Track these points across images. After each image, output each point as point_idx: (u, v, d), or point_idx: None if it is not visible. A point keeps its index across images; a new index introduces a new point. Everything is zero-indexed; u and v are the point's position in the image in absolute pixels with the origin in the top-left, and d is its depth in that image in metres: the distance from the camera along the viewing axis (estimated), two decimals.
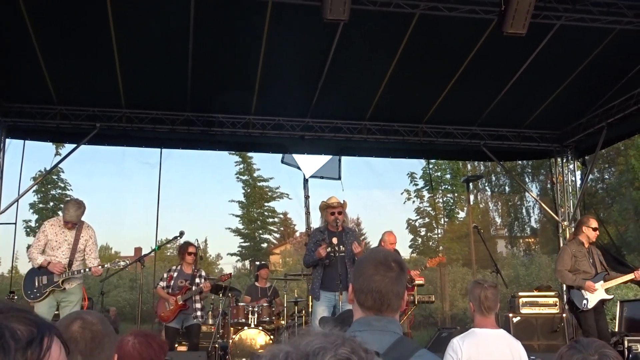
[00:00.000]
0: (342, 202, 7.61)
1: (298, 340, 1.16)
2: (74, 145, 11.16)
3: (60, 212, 7.62)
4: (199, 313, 8.63)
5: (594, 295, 7.50)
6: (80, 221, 7.30)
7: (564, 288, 7.94)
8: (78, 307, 7.25)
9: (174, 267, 8.87)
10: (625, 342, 9.01)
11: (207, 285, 8.71)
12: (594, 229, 7.92)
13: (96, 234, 7.54)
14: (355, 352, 1.13)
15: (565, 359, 2.29)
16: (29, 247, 7.69)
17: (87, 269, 7.24)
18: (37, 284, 7.12)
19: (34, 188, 22.84)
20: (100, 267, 7.39)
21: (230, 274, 10.45)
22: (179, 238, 9.13)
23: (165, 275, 8.82)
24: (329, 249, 7.32)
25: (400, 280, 2.34)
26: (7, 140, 11.01)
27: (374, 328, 2.26)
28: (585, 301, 7.48)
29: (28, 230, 25.01)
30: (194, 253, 8.73)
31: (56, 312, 7.27)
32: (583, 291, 7.48)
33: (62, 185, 27.14)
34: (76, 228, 7.27)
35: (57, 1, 6.83)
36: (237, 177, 30.39)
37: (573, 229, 8.26)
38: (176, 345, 8.94)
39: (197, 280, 8.59)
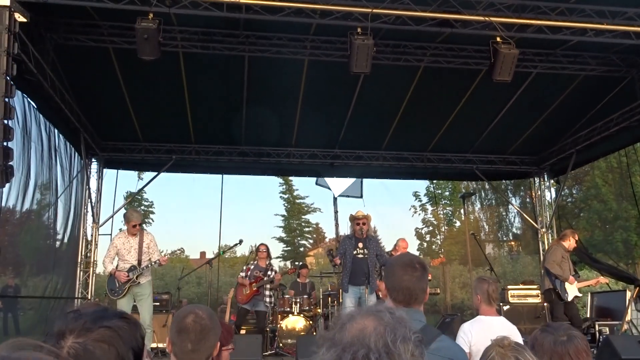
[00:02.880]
0: (366, 214, 7.58)
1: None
2: (155, 173, 11.31)
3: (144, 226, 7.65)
4: (267, 299, 8.70)
5: (572, 290, 7.44)
6: (141, 229, 7.37)
7: (547, 280, 7.76)
8: (150, 299, 7.34)
9: (252, 262, 8.96)
10: (596, 326, 8.80)
11: (278, 276, 8.89)
12: (576, 242, 7.92)
13: (155, 237, 7.52)
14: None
15: (540, 340, 2.22)
16: None
17: (154, 262, 7.20)
18: (117, 284, 7.14)
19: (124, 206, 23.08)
20: (165, 257, 7.47)
21: (295, 268, 10.61)
22: (238, 245, 9.32)
23: (244, 267, 8.93)
24: (354, 252, 7.32)
25: (424, 278, 2.33)
26: (104, 170, 11.22)
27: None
28: (566, 294, 7.42)
29: None
30: (264, 251, 8.89)
31: (134, 304, 7.30)
32: (566, 286, 7.39)
33: (147, 204, 27.51)
34: (138, 235, 7.28)
35: (143, 64, 6.95)
36: (280, 196, 30.58)
37: (560, 236, 8.17)
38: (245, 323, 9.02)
39: (269, 272, 8.68)
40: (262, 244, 9.02)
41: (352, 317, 1.13)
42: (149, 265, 7.21)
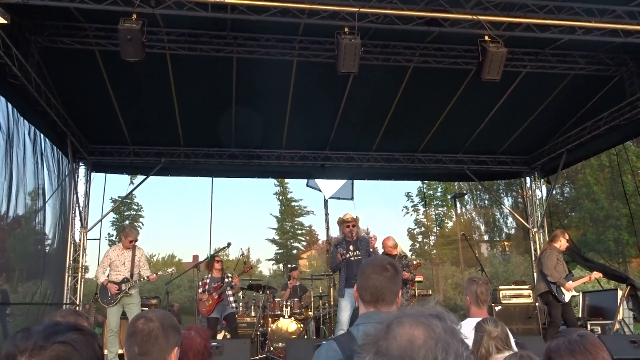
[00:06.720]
0: (355, 217, 7.50)
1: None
2: (144, 177, 11.18)
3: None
4: (233, 304, 8.71)
5: (568, 292, 7.36)
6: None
7: (542, 283, 7.61)
8: (139, 307, 7.70)
9: (205, 276, 8.86)
10: (588, 326, 8.76)
11: (236, 279, 8.84)
12: (567, 241, 7.84)
13: (145, 253, 8.03)
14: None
15: (554, 347, 2.12)
16: None
17: (144, 278, 7.68)
18: (109, 294, 7.56)
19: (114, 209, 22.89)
20: (154, 275, 7.85)
21: (251, 266, 10.36)
22: (226, 248, 9.16)
23: (200, 284, 8.86)
24: (347, 255, 7.25)
25: (394, 280, 2.24)
26: (92, 173, 11.07)
27: (375, 320, 2.15)
28: (563, 296, 7.35)
29: (110, 242, 25.04)
30: (220, 261, 8.88)
31: (123, 312, 7.71)
32: (562, 288, 7.32)
33: (136, 207, 27.36)
34: (131, 249, 7.72)
35: (130, 66, 6.86)
36: (276, 197, 30.59)
37: (550, 237, 7.99)
38: (220, 331, 8.88)
39: (226, 280, 8.66)
40: (216, 256, 8.96)
41: (400, 322, 1.06)
42: (140, 280, 7.68)
